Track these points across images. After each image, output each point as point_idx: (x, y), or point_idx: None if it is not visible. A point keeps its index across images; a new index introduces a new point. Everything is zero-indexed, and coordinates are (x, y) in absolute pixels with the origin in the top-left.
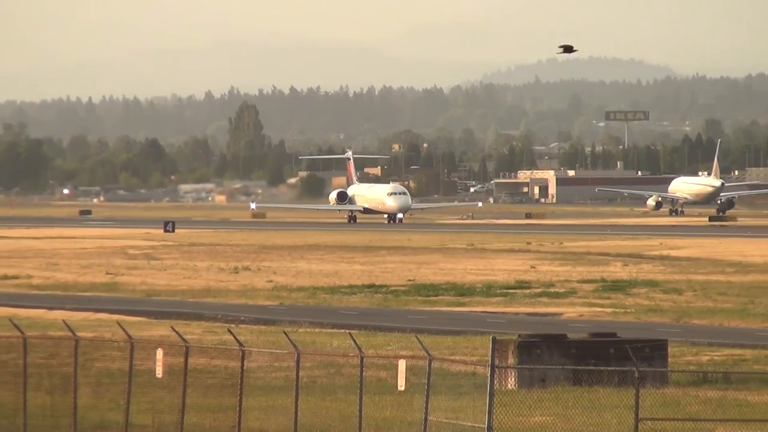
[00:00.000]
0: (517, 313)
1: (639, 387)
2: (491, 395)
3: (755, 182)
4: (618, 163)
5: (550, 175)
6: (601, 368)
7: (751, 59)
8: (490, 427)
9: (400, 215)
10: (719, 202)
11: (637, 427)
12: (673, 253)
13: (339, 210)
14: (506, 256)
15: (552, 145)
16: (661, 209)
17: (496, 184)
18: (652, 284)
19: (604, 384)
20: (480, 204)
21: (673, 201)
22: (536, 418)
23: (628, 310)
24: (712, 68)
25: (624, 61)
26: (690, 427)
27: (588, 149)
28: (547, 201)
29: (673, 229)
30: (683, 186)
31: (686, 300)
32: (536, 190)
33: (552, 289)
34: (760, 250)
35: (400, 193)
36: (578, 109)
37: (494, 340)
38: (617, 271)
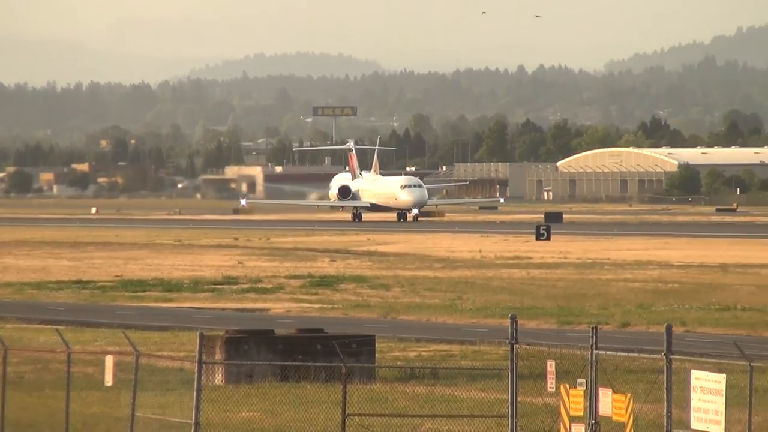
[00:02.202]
0: (224, 309)
1: (346, 382)
2: (198, 391)
3: (454, 179)
4: (326, 158)
5: (257, 171)
6: (309, 364)
7: (459, 54)
8: (197, 423)
9: (415, 211)
10: None
11: (344, 422)
12: (381, 248)
13: (341, 207)
14: (214, 251)
15: (260, 140)
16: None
17: (204, 180)
18: (359, 280)
19: (311, 380)
20: (503, 200)
21: None
22: (243, 414)
23: (336, 306)
24: (420, 63)
25: (332, 57)
26: (397, 422)
27: (296, 145)
28: (255, 196)
29: (380, 225)
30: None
31: (394, 296)
32: (244, 186)
33: (259, 285)
34: (467, 246)
35: (414, 186)
36: (286, 104)
37: (201, 336)
38: (325, 266)
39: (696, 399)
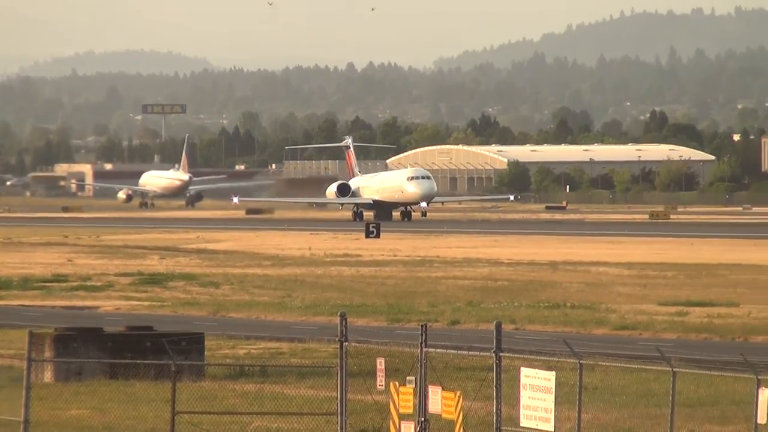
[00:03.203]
0: (54, 307)
1: (175, 380)
2: (28, 388)
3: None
4: (155, 156)
5: (87, 169)
6: (138, 362)
7: (288, 52)
8: (26, 420)
9: (424, 205)
10: (188, 195)
11: (173, 420)
12: (211, 246)
13: (341, 205)
14: (43, 249)
15: (89, 138)
16: (132, 202)
17: (33, 177)
18: (189, 277)
19: (141, 377)
20: (512, 198)
21: (143, 194)
22: (73, 411)
23: (165, 304)
24: (249, 61)
25: (161, 54)
26: (227, 420)
27: (125, 142)
28: (84, 194)
29: (210, 222)
30: (153, 179)
31: (223, 293)
32: (73, 184)
33: (89, 283)
34: (297, 244)
35: (423, 177)
36: (116, 102)
37: (31, 334)
38: (154, 264)
39: (525, 396)
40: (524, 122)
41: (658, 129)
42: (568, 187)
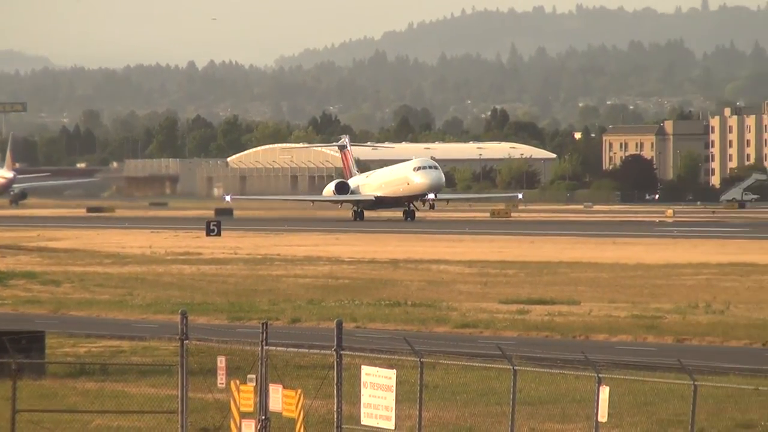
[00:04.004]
0: None
1: (16, 379)
2: None
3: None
4: None
5: None
6: None
7: (129, 50)
8: None
9: (431, 196)
10: (12, 193)
11: (14, 418)
12: (51, 244)
13: (341, 204)
14: None
15: None
16: None
17: None
18: (29, 276)
19: None
20: (520, 196)
21: None
22: None
23: (6, 302)
24: (90, 59)
25: (1, 52)
26: (68, 418)
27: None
28: None
29: (51, 221)
30: None
31: (64, 291)
32: None
33: None
34: (138, 242)
35: (430, 167)
36: None
37: None
38: None
39: (366, 395)
40: (365, 120)
41: (500, 127)
42: None
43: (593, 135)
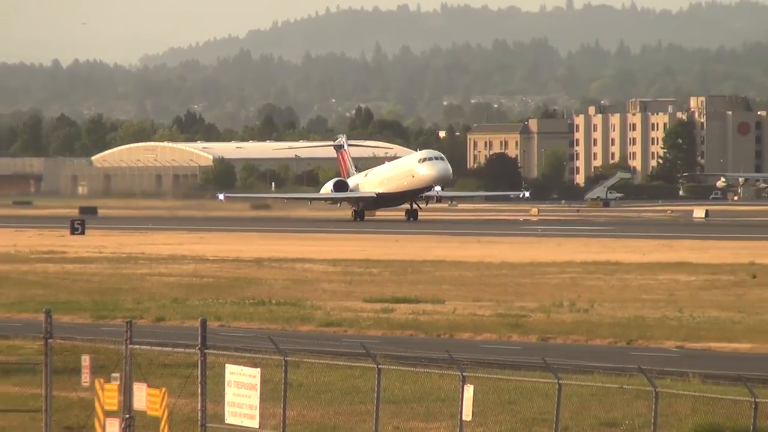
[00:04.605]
0: None
1: None
2: None
3: None
4: None
5: None
6: None
7: None
8: None
9: (437, 188)
10: None
11: None
12: None
13: (339, 202)
14: None
15: None
16: None
17: None
18: None
19: None
20: (527, 194)
21: None
22: None
23: None
24: None
25: None
26: None
27: None
28: None
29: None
30: None
31: None
32: None
33: None
34: (2, 240)
35: (436, 158)
36: None
37: None
38: None
39: (231, 393)
40: (230, 119)
41: (364, 125)
42: (273, 183)
43: (458, 133)
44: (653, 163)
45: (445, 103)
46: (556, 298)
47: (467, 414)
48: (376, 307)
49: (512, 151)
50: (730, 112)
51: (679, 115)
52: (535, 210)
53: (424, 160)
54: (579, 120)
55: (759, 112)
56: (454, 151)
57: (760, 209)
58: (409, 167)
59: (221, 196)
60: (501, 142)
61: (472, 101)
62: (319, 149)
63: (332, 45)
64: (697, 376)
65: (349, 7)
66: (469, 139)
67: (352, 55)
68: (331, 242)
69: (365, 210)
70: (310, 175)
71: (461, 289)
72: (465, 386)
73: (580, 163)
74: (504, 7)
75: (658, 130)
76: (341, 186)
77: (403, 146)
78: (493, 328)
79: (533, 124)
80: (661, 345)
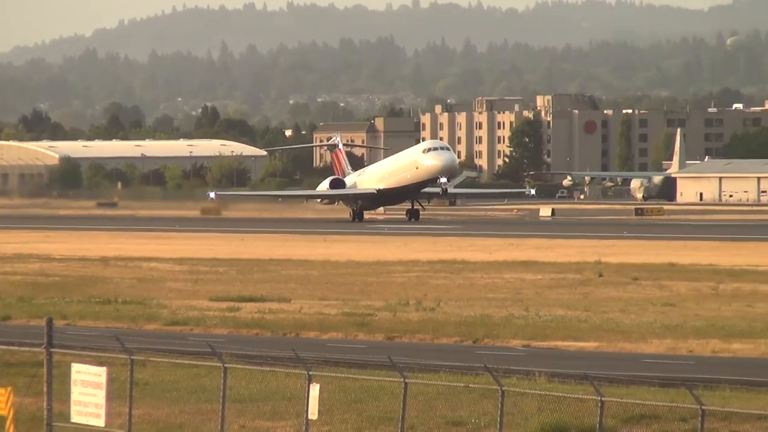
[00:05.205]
0: None
1: None
2: None
3: None
4: None
5: None
6: None
7: None
8: None
9: (443, 180)
10: None
11: None
12: None
13: (336, 202)
14: None
15: None
16: None
17: None
18: None
19: None
20: (533, 191)
21: None
22: None
23: None
24: None
25: None
26: None
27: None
28: None
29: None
30: None
31: None
32: None
33: None
34: None
35: (442, 148)
36: None
37: None
38: None
39: (77, 392)
40: (76, 118)
41: (210, 124)
42: (120, 183)
43: (304, 132)
44: (500, 161)
45: (291, 101)
46: (403, 297)
47: (313, 413)
48: (222, 306)
49: (358, 150)
50: (576, 111)
51: (526, 113)
52: (381, 209)
53: (429, 150)
54: (425, 119)
55: (605, 111)
56: (300, 150)
57: (605, 208)
58: (412, 159)
59: (211, 195)
60: (347, 141)
61: (319, 100)
62: (166, 147)
63: (179, 44)
64: (543, 375)
65: (195, 6)
66: (316, 137)
67: (199, 54)
68: (178, 241)
69: (364, 210)
70: (156, 173)
71: (307, 288)
72: (311, 385)
73: None
74: (350, 5)
75: (504, 128)
76: (338, 185)
77: (250, 145)
78: (340, 327)
79: (380, 123)
80: (508, 344)
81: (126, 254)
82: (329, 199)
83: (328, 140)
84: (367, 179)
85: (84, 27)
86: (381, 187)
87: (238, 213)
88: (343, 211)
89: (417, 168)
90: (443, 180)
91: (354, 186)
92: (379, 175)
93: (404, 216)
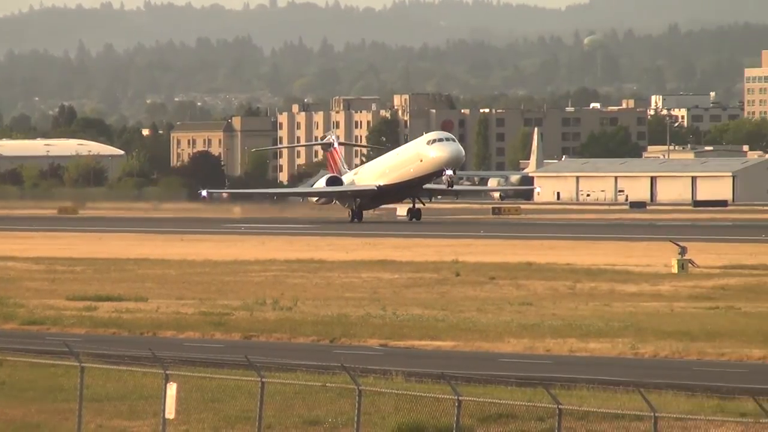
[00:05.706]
0: None
1: None
2: None
3: None
4: None
5: None
6: None
7: None
8: None
9: (449, 172)
10: None
11: None
12: None
13: (334, 201)
14: None
15: None
16: None
17: None
18: None
19: None
20: (539, 189)
21: None
22: None
23: None
24: None
25: None
26: None
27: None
28: None
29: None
30: None
31: None
32: None
33: None
34: None
35: (446, 139)
36: None
37: None
38: None
39: None
40: None
41: (68, 124)
42: None
43: (161, 132)
44: (357, 161)
45: (148, 101)
46: (260, 296)
47: (170, 412)
48: (79, 305)
49: (216, 149)
50: (433, 110)
51: (383, 113)
52: (238, 209)
53: (434, 141)
54: (282, 118)
55: (462, 110)
56: (157, 149)
57: (462, 207)
58: (415, 151)
59: (204, 193)
60: (204, 140)
61: (176, 99)
62: (23, 147)
63: (35, 43)
64: (401, 374)
65: (52, 5)
66: (173, 137)
67: (56, 53)
68: (36, 240)
69: (363, 209)
70: (13, 173)
71: (164, 287)
72: (168, 384)
73: (283, 161)
74: (207, 5)
75: (361, 128)
76: (335, 183)
77: (107, 144)
78: (197, 326)
79: (237, 122)
80: (365, 343)
81: None
82: (326, 197)
83: (322, 139)
84: (366, 176)
85: None
86: (382, 183)
87: (95, 212)
88: (339, 211)
89: (421, 161)
90: (449, 173)
91: (352, 183)
92: (379, 170)
93: (405, 216)
